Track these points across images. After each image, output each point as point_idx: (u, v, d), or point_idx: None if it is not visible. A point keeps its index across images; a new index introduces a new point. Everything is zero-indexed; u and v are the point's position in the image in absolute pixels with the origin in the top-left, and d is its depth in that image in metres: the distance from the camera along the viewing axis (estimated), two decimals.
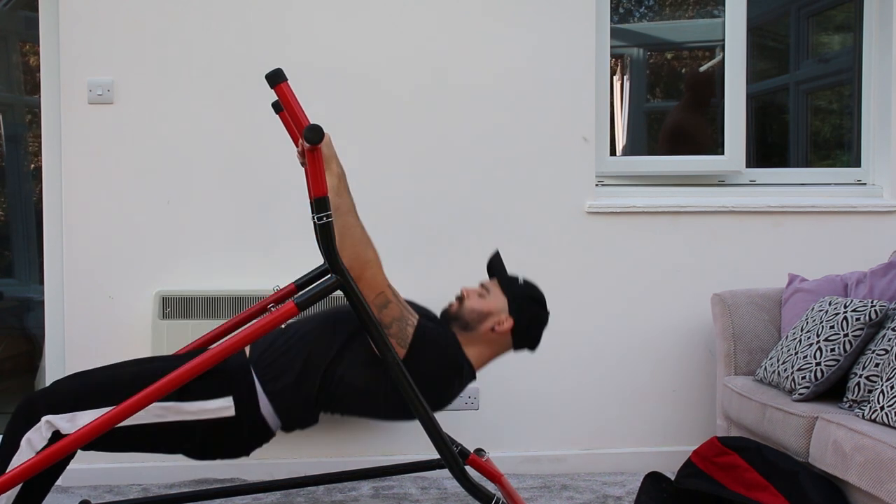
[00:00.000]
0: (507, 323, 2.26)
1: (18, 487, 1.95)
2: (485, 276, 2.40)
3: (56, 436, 1.97)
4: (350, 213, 2.07)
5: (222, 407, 2.07)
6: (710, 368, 3.35)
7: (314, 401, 2.16)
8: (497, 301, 2.28)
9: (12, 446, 1.98)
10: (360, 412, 2.29)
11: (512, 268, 3.26)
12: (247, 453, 2.22)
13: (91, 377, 2.10)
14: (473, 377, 2.29)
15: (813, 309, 2.87)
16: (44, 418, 1.97)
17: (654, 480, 2.74)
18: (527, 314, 2.30)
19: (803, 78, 3.93)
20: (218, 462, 3.15)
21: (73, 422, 1.98)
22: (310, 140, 1.88)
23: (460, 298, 2.30)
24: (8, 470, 1.93)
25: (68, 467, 2.12)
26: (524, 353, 3.27)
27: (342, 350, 2.16)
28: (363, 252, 2.07)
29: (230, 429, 2.09)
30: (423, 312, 2.25)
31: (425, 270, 3.19)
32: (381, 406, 2.21)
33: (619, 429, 3.34)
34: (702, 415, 3.36)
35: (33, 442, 1.96)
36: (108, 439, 2.02)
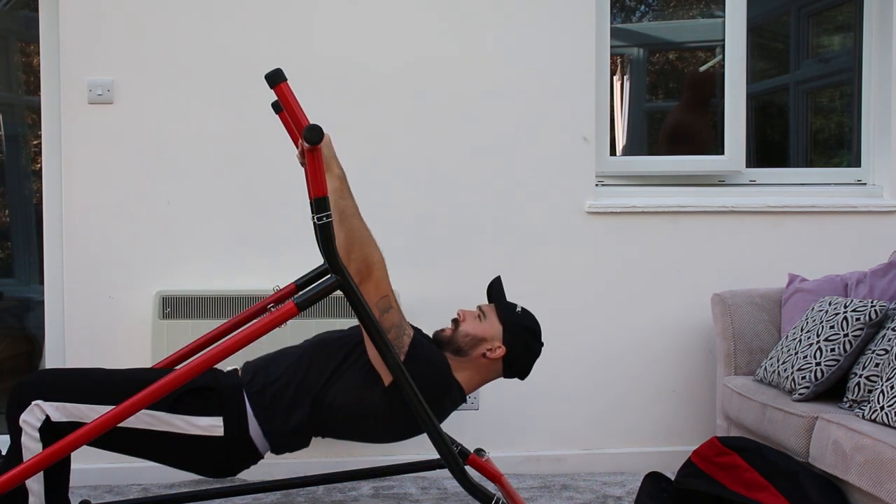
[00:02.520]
0: (500, 351, 2.26)
1: (42, 475, 2.00)
2: (483, 299, 2.40)
3: (48, 421, 2.01)
4: (355, 216, 2.08)
5: (211, 425, 2.09)
6: (710, 368, 3.35)
7: (304, 427, 2.18)
8: (492, 328, 2.28)
9: (16, 430, 2.03)
10: (352, 436, 2.31)
11: (511, 267, 3.27)
12: (234, 473, 2.23)
13: (79, 373, 2.13)
14: (464, 400, 2.30)
15: (813, 309, 2.87)
16: (33, 402, 2.02)
17: (654, 480, 2.74)
18: (520, 344, 2.29)
19: (803, 78, 3.92)
20: None
21: (61, 411, 2.01)
22: (309, 140, 1.88)
23: (456, 321, 2.31)
24: (24, 460, 1.99)
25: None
26: None
27: (332, 377, 2.18)
28: (370, 254, 2.08)
29: (217, 447, 2.11)
30: (416, 329, 2.25)
31: (426, 270, 3.19)
32: (371, 429, 2.23)
33: (619, 429, 3.34)
34: (702, 415, 3.36)
35: (30, 422, 2.01)
36: (101, 438, 2.03)
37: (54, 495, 2.05)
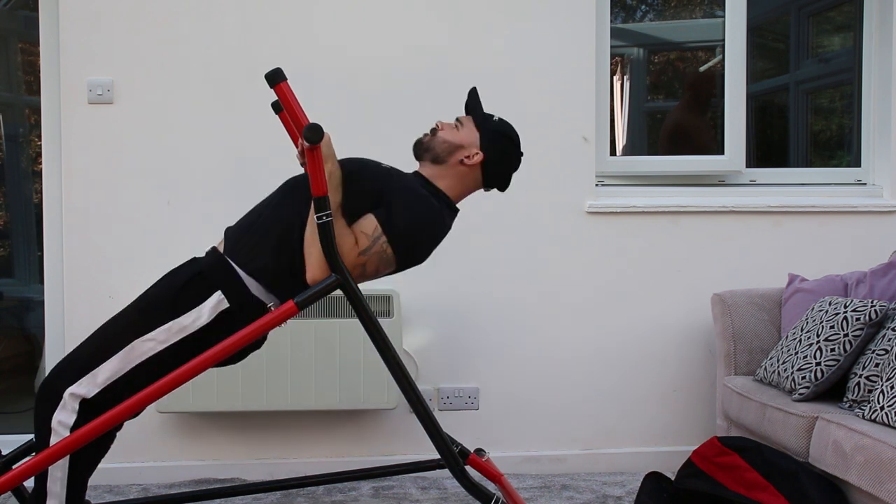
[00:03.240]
0: (477, 157, 2.24)
1: (68, 463, 2.00)
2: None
3: (83, 405, 1.99)
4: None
5: (215, 303, 2.07)
6: (710, 368, 3.35)
7: (298, 266, 2.12)
8: (469, 135, 2.26)
9: (46, 431, 2.00)
10: None
11: (512, 267, 3.27)
12: (261, 343, 2.21)
13: (92, 336, 2.12)
14: (455, 209, 2.27)
15: (813, 309, 2.87)
16: (65, 393, 1.99)
17: (654, 480, 2.74)
18: (498, 150, 2.27)
19: (803, 78, 3.92)
20: (218, 462, 3.15)
21: (94, 381, 2.00)
22: (309, 139, 1.88)
23: (434, 130, 2.28)
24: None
25: None
26: (523, 350, 3.28)
27: (308, 211, 2.12)
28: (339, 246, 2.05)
29: (232, 321, 2.08)
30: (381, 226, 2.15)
31: (426, 270, 3.17)
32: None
33: (619, 429, 3.34)
34: (702, 415, 3.36)
35: (64, 421, 1.99)
36: (133, 383, 2.02)
37: (73, 500, 2.04)
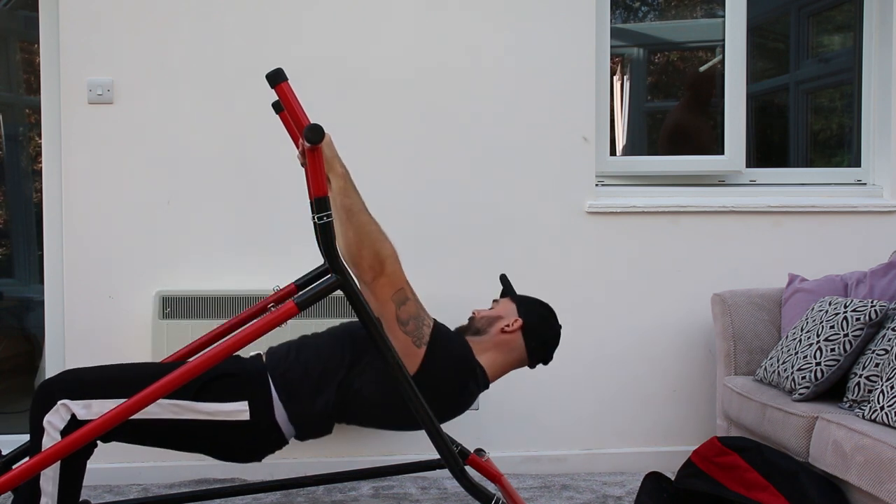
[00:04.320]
0: (517, 323, 2.30)
1: (58, 466, 2.01)
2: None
3: (74, 419, 2.01)
4: (362, 212, 2.07)
5: (237, 410, 2.09)
6: (710, 368, 3.35)
7: (330, 413, 2.18)
8: (506, 307, 2.35)
9: (39, 431, 2.03)
10: (377, 423, 2.33)
11: (512, 267, 3.26)
12: (259, 458, 2.23)
13: (105, 370, 2.13)
14: (487, 385, 2.31)
15: (813, 309, 2.87)
16: (59, 402, 2.02)
17: (654, 480, 2.74)
18: (535, 316, 2.34)
19: (803, 78, 3.92)
20: (218, 462, 3.14)
21: (88, 409, 2.01)
22: (310, 140, 1.88)
23: (471, 318, 2.36)
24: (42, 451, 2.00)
25: None
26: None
27: (359, 363, 2.18)
28: (381, 248, 2.06)
29: (244, 433, 2.11)
30: (435, 320, 2.26)
31: (426, 271, 3.19)
32: (397, 416, 2.22)
33: (619, 429, 3.34)
34: (702, 415, 3.36)
35: (54, 423, 2.01)
36: (126, 431, 2.06)
37: (66, 499, 2.05)
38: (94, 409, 2.01)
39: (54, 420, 2.01)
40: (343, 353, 2.19)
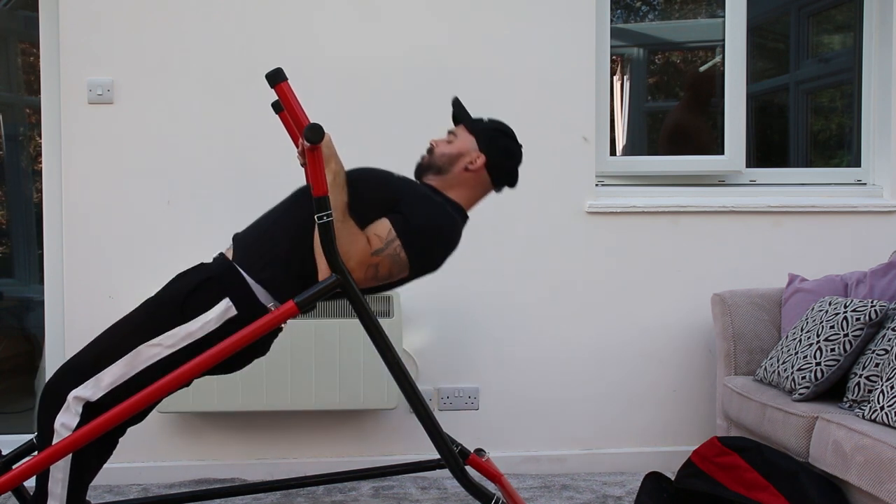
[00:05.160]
0: (480, 160, 2.24)
1: (69, 465, 2.00)
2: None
3: (87, 408, 1.99)
4: (335, 210, 2.03)
5: (223, 310, 2.06)
6: (710, 368, 3.35)
7: (307, 273, 2.11)
8: (466, 142, 2.26)
9: (49, 434, 2.00)
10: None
11: (512, 267, 3.27)
12: (265, 350, 2.21)
13: (95, 344, 2.10)
14: (466, 216, 2.27)
15: (813, 309, 2.87)
16: (69, 396, 1.99)
17: (654, 480, 2.74)
18: (497, 148, 2.27)
19: (803, 78, 3.92)
20: (218, 462, 3.15)
21: (98, 385, 2.00)
22: (310, 139, 1.88)
23: (430, 150, 2.28)
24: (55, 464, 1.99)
25: None
26: (523, 350, 3.28)
27: (309, 220, 2.09)
28: (343, 246, 2.04)
29: (239, 328, 2.06)
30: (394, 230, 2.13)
31: None
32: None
33: (619, 429, 3.34)
34: (702, 415, 3.36)
35: (67, 423, 1.98)
36: (137, 388, 2.02)
37: (74, 501, 2.04)
38: (105, 382, 2.00)
39: (67, 420, 1.99)
40: (306, 214, 2.09)
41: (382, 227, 2.08)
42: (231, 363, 2.13)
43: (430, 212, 2.14)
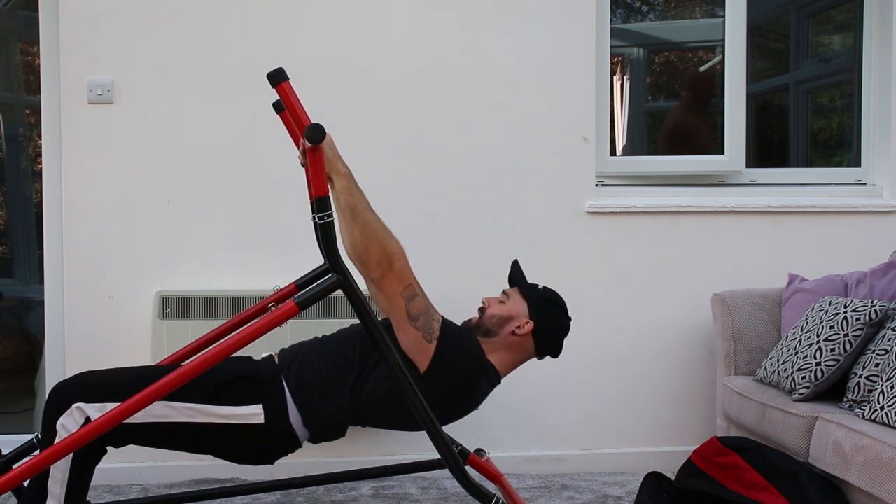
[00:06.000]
0: (528, 326, 2.28)
1: (68, 469, 2.01)
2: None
3: (88, 422, 2.00)
4: (368, 210, 2.07)
5: (252, 413, 2.09)
6: (710, 368, 3.35)
7: (343, 416, 2.18)
8: (517, 306, 2.32)
9: (52, 432, 2.03)
10: (389, 424, 2.32)
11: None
12: (272, 461, 2.23)
13: (120, 373, 2.13)
14: (499, 380, 2.31)
15: (813, 309, 2.87)
16: (74, 405, 2.02)
17: (654, 480, 2.74)
18: (547, 317, 2.33)
19: (803, 78, 3.92)
20: (218, 462, 3.15)
21: (102, 411, 2.01)
22: (311, 139, 1.88)
23: (482, 309, 2.33)
24: (55, 463, 2.00)
25: None
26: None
27: (369, 364, 2.18)
28: (389, 246, 2.06)
29: (258, 436, 2.11)
30: (444, 317, 2.25)
31: (426, 270, 3.18)
32: (410, 416, 2.20)
33: (619, 429, 3.34)
34: (702, 415, 3.36)
35: (67, 426, 2.01)
36: (141, 434, 2.06)
37: (72, 501, 2.05)
38: (111, 413, 1.99)
39: (68, 423, 2.00)
40: (354, 354, 2.19)
41: (431, 312, 2.14)
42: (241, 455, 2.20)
43: (468, 349, 2.20)
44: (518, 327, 2.28)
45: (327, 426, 2.19)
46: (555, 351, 2.37)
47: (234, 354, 2.06)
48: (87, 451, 2.02)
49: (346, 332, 2.30)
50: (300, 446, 2.23)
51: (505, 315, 2.30)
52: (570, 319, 2.39)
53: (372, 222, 2.05)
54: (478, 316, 2.33)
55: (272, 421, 2.11)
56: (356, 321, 2.20)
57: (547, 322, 2.32)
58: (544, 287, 2.38)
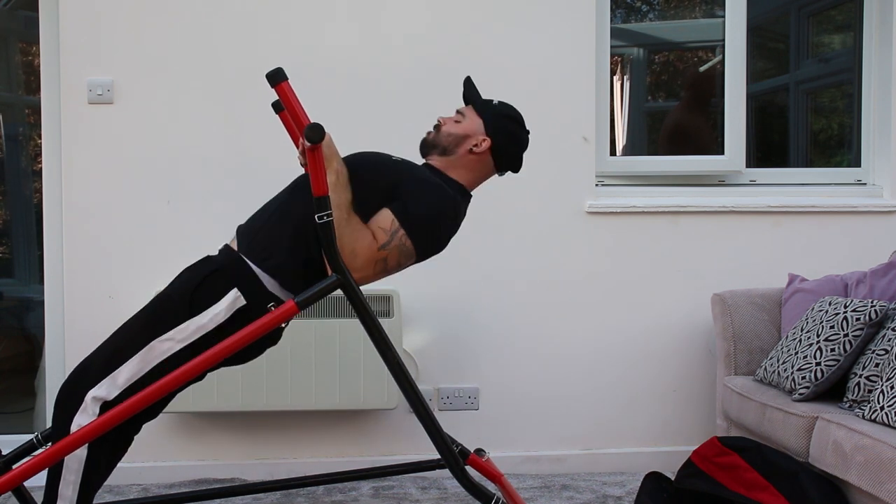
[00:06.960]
0: (485, 143, 2.24)
1: (83, 467, 2.01)
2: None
3: (104, 407, 1.99)
4: (340, 208, 2.04)
5: (232, 301, 2.06)
6: (710, 368, 3.35)
7: (314, 262, 2.12)
8: (473, 124, 2.26)
9: (66, 434, 1.99)
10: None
11: (512, 267, 3.27)
12: (278, 335, 2.20)
13: (110, 339, 2.11)
14: (469, 195, 2.28)
15: (813, 309, 2.87)
16: (87, 397, 1.99)
17: (654, 480, 2.74)
18: (504, 133, 2.27)
19: (803, 78, 3.92)
20: (218, 462, 3.15)
21: (114, 383, 2.00)
22: (310, 139, 1.88)
23: (437, 126, 2.28)
24: (67, 465, 2.00)
25: None
26: (523, 349, 3.28)
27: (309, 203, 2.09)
28: (349, 245, 2.05)
29: (249, 318, 2.06)
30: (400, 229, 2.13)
31: (425, 270, 3.18)
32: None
33: (619, 429, 3.34)
34: (702, 415, 3.36)
35: (84, 425, 1.98)
36: (149, 391, 2.01)
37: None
38: (120, 380, 2.00)
39: (84, 421, 1.98)
40: (308, 204, 2.06)
41: (385, 219, 2.09)
42: (244, 354, 2.13)
43: (431, 197, 2.14)
44: (475, 145, 2.23)
45: (303, 278, 2.12)
46: (515, 165, 2.33)
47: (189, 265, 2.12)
48: (105, 447, 2.01)
49: (289, 186, 2.26)
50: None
51: (461, 133, 2.24)
52: (528, 132, 2.33)
53: (339, 221, 2.03)
54: (433, 132, 2.28)
55: (253, 297, 2.07)
56: (356, 321, 2.19)
57: (504, 138, 2.26)
58: (500, 102, 2.31)
